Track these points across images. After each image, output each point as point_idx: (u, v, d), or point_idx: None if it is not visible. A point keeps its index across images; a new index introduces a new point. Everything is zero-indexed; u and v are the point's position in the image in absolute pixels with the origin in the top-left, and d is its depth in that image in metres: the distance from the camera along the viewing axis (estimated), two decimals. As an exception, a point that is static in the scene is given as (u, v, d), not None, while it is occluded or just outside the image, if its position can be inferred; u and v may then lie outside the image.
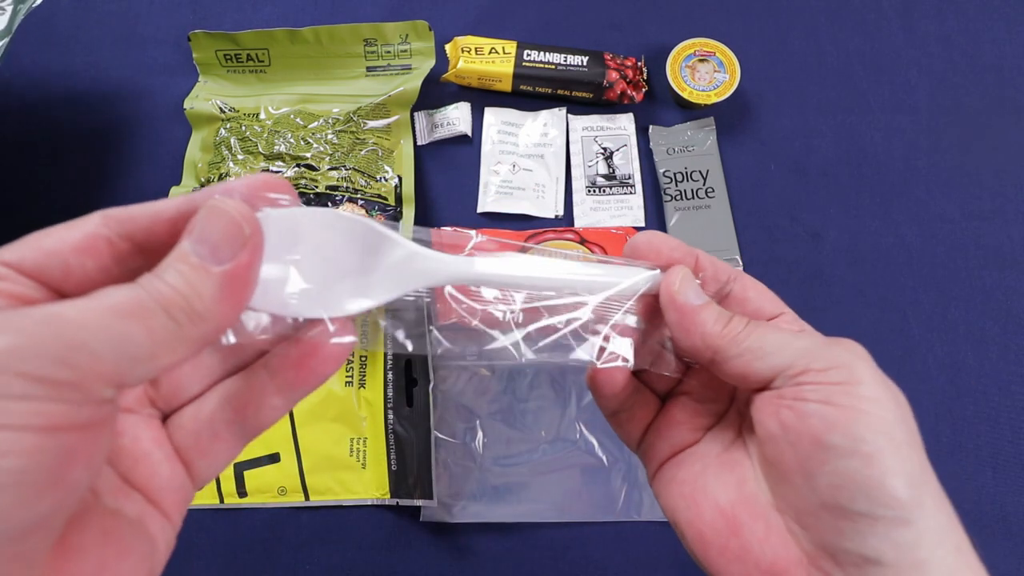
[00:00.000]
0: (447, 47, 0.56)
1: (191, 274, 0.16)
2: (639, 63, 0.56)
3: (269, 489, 0.45)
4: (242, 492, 0.45)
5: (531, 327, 0.23)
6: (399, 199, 0.52)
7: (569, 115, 0.56)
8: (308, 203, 0.49)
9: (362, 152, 0.53)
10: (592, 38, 0.59)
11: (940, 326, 0.50)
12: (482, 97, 0.57)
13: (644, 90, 0.55)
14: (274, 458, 0.45)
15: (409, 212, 0.52)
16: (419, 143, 0.55)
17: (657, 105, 0.57)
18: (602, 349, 0.24)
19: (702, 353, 0.23)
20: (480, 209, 0.54)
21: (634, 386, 0.27)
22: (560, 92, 0.56)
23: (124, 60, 0.58)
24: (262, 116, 0.54)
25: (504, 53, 0.55)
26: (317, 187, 0.51)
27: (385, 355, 0.47)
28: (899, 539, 0.19)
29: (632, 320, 0.24)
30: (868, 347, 0.22)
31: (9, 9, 0.45)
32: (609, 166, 0.55)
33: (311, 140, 0.53)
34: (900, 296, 0.50)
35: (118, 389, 0.15)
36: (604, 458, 0.46)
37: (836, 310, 0.50)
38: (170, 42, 0.58)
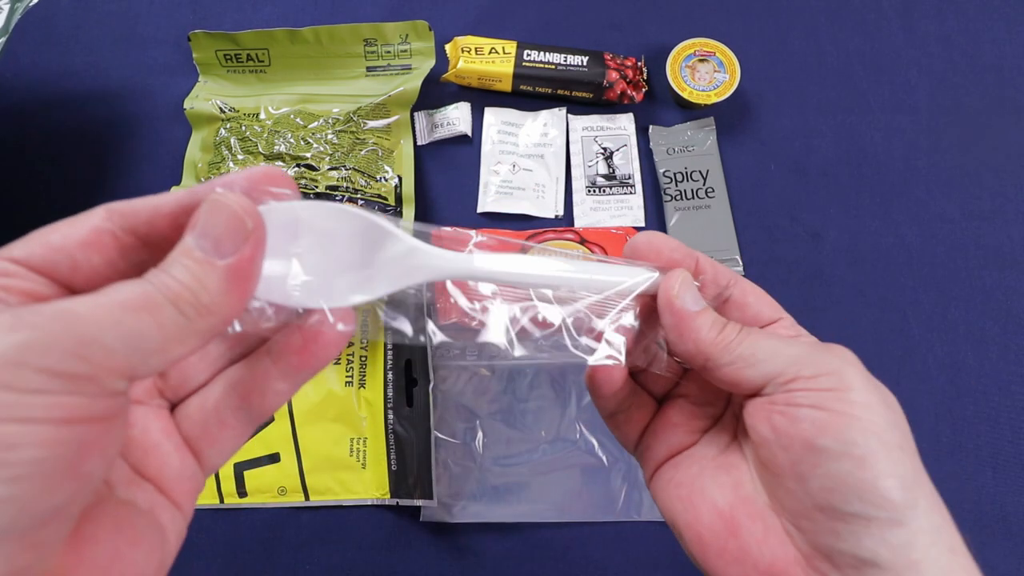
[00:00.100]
0: (447, 47, 0.56)
1: (196, 268, 0.17)
2: (639, 63, 0.56)
3: (269, 489, 0.45)
4: (242, 492, 0.45)
5: (527, 323, 0.23)
6: (399, 199, 0.52)
7: (569, 115, 0.56)
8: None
9: (362, 152, 0.53)
10: (592, 38, 0.59)
11: (940, 326, 0.50)
12: (482, 97, 0.57)
13: (644, 90, 0.55)
14: (274, 458, 0.45)
15: (409, 212, 0.52)
16: (419, 143, 0.55)
17: (657, 105, 0.57)
18: (597, 346, 0.24)
19: (695, 358, 0.23)
20: (480, 209, 0.54)
21: (631, 388, 0.27)
22: (560, 92, 0.56)
23: (124, 60, 0.58)
24: (262, 116, 0.54)
25: (504, 53, 0.55)
26: (317, 187, 0.51)
27: (385, 355, 0.47)
28: (893, 540, 0.19)
29: (628, 319, 0.24)
30: (868, 347, 0.22)
31: (6, 8, 0.45)
32: (609, 166, 0.55)
33: (311, 140, 0.53)
34: (900, 296, 0.50)
35: (130, 381, 0.16)
36: (604, 458, 0.46)
37: (836, 310, 0.50)
38: (170, 42, 0.59)
